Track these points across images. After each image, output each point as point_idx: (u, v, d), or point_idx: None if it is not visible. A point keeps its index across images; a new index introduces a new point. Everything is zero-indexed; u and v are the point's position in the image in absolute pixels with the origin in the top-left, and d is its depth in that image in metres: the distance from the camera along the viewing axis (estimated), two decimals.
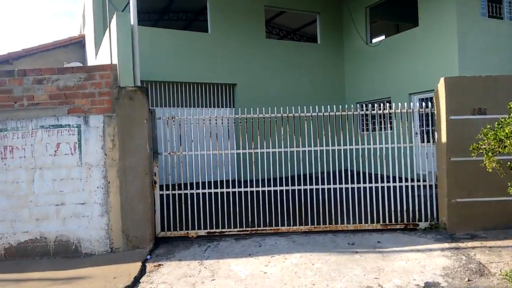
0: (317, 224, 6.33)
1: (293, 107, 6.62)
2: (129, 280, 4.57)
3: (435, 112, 6.36)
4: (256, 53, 13.07)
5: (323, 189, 6.39)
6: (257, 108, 6.66)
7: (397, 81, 11.92)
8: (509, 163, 4.84)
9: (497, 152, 4.78)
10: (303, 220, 6.36)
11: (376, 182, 6.38)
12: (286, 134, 6.41)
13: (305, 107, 6.60)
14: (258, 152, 6.34)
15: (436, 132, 6.37)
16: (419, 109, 6.59)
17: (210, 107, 12.22)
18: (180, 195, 6.40)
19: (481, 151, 4.91)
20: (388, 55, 12.42)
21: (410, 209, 6.41)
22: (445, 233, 6.02)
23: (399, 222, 6.35)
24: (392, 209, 6.38)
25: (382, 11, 13.89)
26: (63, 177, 5.64)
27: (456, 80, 6.24)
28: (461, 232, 6.00)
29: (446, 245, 5.53)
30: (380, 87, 12.65)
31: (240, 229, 6.23)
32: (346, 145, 6.36)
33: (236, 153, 6.26)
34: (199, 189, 6.26)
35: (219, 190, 6.22)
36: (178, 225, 6.20)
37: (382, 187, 6.44)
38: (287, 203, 6.36)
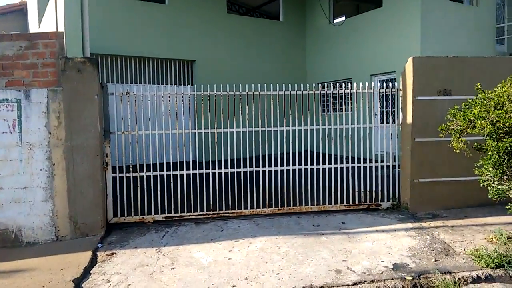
0: (281, 206, 6.13)
1: (259, 85, 6.28)
2: (78, 272, 4.12)
3: (402, 92, 6.27)
4: (217, 28, 12.51)
5: (287, 171, 6.17)
6: (221, 85, 6.25)
7: (359, 62, 11.88)
8: (475, 143, 4.82)
9: (465, 132, 4.75)
10: (267, 203, 6.13)
11: (338, 163, 6.24)
12: (251, 113, 6.07)
13: (271, 85, 6.28)
14: (220, 132, 5.98)
15: (401, 113, 6.30)
16: (379, 90, 6.47)
17: (167, 84, 11.58)
18: (135, 177, 5.92)
19: (449, 131, 4.85)
20: (351, 35, 12.32)
21: (373, 189, 6.36)
22: (407, 213, 6.03)
23: (362, 203, 6.30)
24: (356, 189, 6.29)
25: None
26: (0, 158, 5.00)
27: (424, 60, 6.17)
28: (422, 211, 6.04)
29: (410, 225, 5.52)
30: (342, 68, 12.58)
31: (201, 213, 5.90)
32: (308, 126, 6.12)
33: (197, 132, 5.86)
34: (156, 171, 5.83)
35: (178, 172, 5.82)
36: (132, 210, 5.75)
37: (345, 168, 6.31)
38: (250, 185, 6.10)
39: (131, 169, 5.72)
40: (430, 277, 3.97)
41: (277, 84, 6.29)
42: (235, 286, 3.79)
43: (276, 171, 6.14)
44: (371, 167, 6.30)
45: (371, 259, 4.39)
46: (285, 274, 4.01)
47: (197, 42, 12.09)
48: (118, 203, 5.70)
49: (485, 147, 4.58)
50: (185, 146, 5.82)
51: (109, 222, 5.58)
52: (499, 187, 4.66)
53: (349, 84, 6.48)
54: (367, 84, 6.41)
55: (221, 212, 5.95)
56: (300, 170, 6.21)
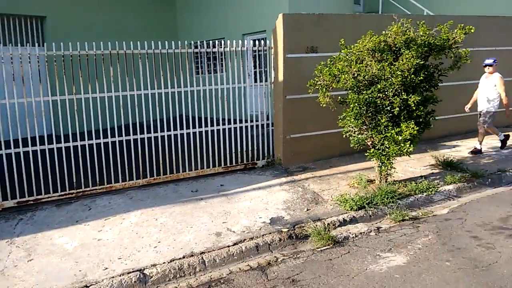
0: (157, 176, 5.80)
1: (123, 43, 5.61)
2: None
3: (273, 50, 6.31)
4: None
5: (162, 137, 5.79)
6: (77, 44, 5.41)
7: (231, 21, 11.68)
8: (339, 97, 5.14)
9: (331, 87, 5.00)
10: (141, 173, 5.72)
11: (213, 125, 6.11)
12: (117, 75, 5.43)
13: (138, 43, 5.65)
14: (81, 98, 5.26)
15: (273, 71, 6.38)
16: (252, 48, 6.41)
17: (11, 45, 9.77)
18: None
19: (317, 87, 5.06)
20: None
21: (249, 149, 6.44)
22: (281, 168, 6.28)
23: (239, 163, 6.35)
24: (233, 151, 6.29)
25: None
26: None
27: (293, 17, 6.24)
28: (294, 165, 6.36)
29: (283, 179, 5.76)
30: (214, 27, 12.25)
31: (62, 193, 5.21)
32: (182, 88, 5.80)
33: (51, 100, 5.03)
34: (0, 149, 4.90)
35: (30, 149, 4.99)
36: None
37: (220, 130, 6.23)
38: (121, 156, 5.60)
39: None
40: (303, 226, 4.18)
41: (145, 42, 5.71)
42: (106, 268, 3.44)
43: (149, 138, 5.71)
44: (246, 127, 6.33)
45: (250, 217, 4.44)
46: (163, 246, 3.80)
47: None
48: None
49: (347, 100, 4.90)
50: (36, 117, 4.99)
51: None
52: (359, 136, 5.09)
53: (222, 42, 6.27)
54: (240, 42, 6.29)
55: (87, 189, 5.35)
56: (175, 135, 5.91)
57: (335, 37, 5.73)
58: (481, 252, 3.48)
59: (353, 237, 4.01)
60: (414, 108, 4.64)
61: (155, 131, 5.77)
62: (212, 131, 6.19)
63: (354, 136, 5.12)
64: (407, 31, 4.71)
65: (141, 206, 4.88)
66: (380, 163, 4.99)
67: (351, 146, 5.14)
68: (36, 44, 5.22)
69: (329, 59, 5.04)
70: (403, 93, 4.61)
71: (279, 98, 6.25)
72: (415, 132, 4.59)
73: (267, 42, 6.37)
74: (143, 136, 5.67)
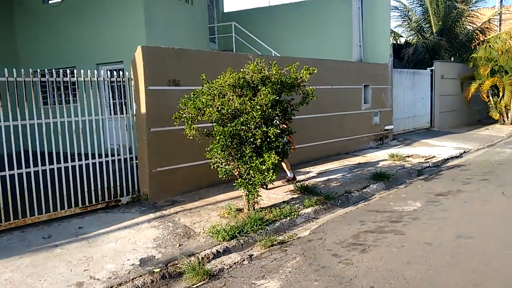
0: None
1: None
2: None
3: (133, 82, 6.09)
4: None
5: (2, 177, 4.93)
6: None
7: (84, 49, 10.90)
8: (205, 130, 5.21)
9: (196, 120, 5.04)
10: None
11: (68, 161, 5.47)
12: None
13: None
14: None
15: (135, 103, 6.12)
16: (110, 78, 5.99)
17: None
18: None
19: (182, 119, 5.04)
20: (72, 18, 11.13)
21: (111, 185, 5.95)
22: (148, 204, 5.99)
23: (100, 202, 5.81)
24: (92, 188, 5.73)
25: None
26: None
27: (153, 50, 6.18)
28: (162, 200, 6.13)
29: (152, 215, 5.49)
30: (64, 54, 11.24)
31: None
32: (27, 120, 5.08)
33: None
34: None
35: None
36: None
37: (76, 166, 5.60)
38: None
39: None
40: (177, 264, 4.02)
41: None
42: None
43: None
44: (107, 162, 5.86)
45: (117, 260, 4.07)
46: None
47: None
48: None
49: (213, 133, 5.01)
50: None
51: None
52: (226, 167, 5.22)
53: (75, 71, 5.74)
54: (95, 72, 5.88)
55: None
56: (20, 174, 5.08)
57: (196, 72, 5.86)
58: (342, 268, 3.87)
59: (227, 268, 4.02)
60: (273, 139, 5.01)
61: None
62: (67, 167, 5.51)
63: (221, 167, 5.23)
64: (262, 69, 5.12)
65: None
66: (247, 192, 5.19)
67: (219, 176, 5.23)
68: None
69: (192, 93, 5.12)
70: (263, 125, 4.94)
71: (143, 131, 6.02)
72: (276, 161, 4.94)
73: (126, 73, 6.08)
74: None
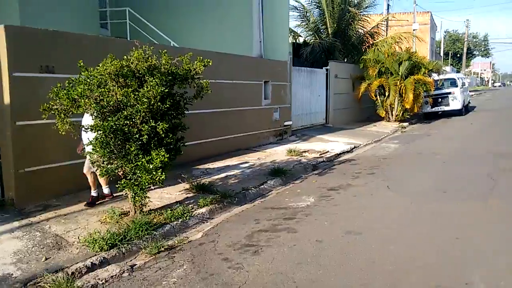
0: None
1: None
2: None
3: None
4: None
5: None
6: None
7: None
8: (83, 124, 4.55)
9: (70, 113, 4.36)
10: None
11: None
12: None
13: None
14: None
15: None
16: None
17: None
18: None
19: (53, 112, 4.32)
20: None
21: None
22: (14, 210, 5.09)
23: None
24: None
25: None
26: None
27: (20, 31, 5.26)
28: (32, 205, 5.25)
29: (16, 223, 4.66)
30: None
31: None
32: None
33: None
34: None
35: None
36: None
37: None
38: None
39: None
40: (39, 282, 3.39)
41: None
42: None
43: None
44: None
45: None
46: None
47: None
48: None
49: (91, 127, 4.39)
50: None
51: None
52: (108, 166, 4.64)
53: None
54: None
55: None
56: None
57: (76, 58, 5.09)
58: (232, 274, 3.62)
59: (102, 283, 3.50)
60: (163, 135, 4.57)
61: None
62: None
63: (103, 167, 4.63)
64: (149, 58, 4.63)
65: None
66: (133, 194, 4.68)
67: (99, 176, 4.62)
68: None
69: (67, 81, 4.42)
70: (151, 120, 4.47)
71: (7, 125, 5.08)
72: (166, 159, 4.51)
73: None
74: None
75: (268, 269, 3.69)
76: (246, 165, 8.15)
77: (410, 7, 32.63)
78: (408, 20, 30.22)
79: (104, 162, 4.62)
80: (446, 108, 17.55)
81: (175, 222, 4.85)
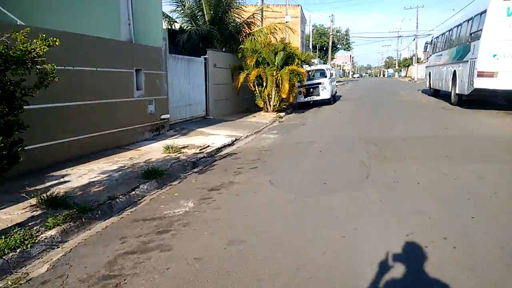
0: None
1: None
2: None
3: None
4: None
5: None
6: None
7: None
8: None
9: None
10: None
11: None
12: None
13: None
14: None
15: None
16: None
17: None
18: None
19: None
20: None
21: None
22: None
23: None
24: None
25: None
26: None
27: None
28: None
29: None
30: None
31: None
32: None
33: None
34: None
35: None
36: None
37: None
38: None
39: None
40: None
41: None
42: None
43: None
44: None
45: None
46: None
47: None
48: None
49: None
50: None
51: None
52: None
53: None
54: None
55: None
56: None
57: None
58: None
59: None
60: None
61: None
62: None
63: None
64: None
65: None
66: None
67: None
68: None
69: None
70: None
71: None
72: None
73: None
74: None
75: None
76: (115, 167, 7.08)
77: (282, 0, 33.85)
78: (281, 12, 31.31)
79: None
80: (317, 98, 18.53)
81: (11, 254, 3.72)
